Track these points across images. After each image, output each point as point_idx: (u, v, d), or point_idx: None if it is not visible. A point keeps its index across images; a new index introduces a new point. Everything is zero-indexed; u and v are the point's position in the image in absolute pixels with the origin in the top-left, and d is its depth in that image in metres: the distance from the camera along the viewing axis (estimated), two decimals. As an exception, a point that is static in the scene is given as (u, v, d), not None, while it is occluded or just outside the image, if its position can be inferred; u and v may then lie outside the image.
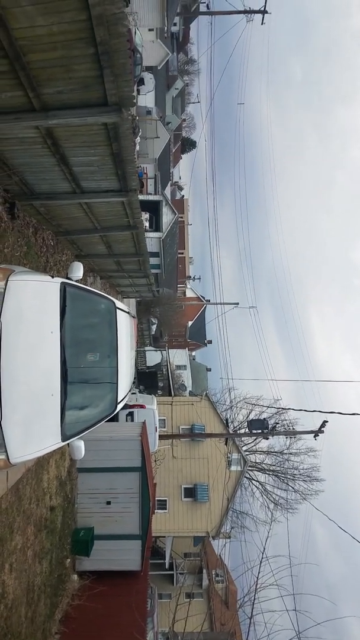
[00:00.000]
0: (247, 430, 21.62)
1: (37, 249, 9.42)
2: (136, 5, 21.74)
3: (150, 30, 25.79)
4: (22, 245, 8.46)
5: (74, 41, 4.11)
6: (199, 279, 61.28)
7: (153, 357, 37.98)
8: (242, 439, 25.40)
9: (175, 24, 39.17)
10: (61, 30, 3.98)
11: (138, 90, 25.62)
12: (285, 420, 26.94)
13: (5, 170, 6.81)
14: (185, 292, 53.79)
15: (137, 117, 25.37)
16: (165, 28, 25.07)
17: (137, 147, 22.77)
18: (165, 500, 22.59)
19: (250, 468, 26.41)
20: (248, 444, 28.10)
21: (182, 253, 52.54)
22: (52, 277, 5.91)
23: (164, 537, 25.41)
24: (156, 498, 18.21)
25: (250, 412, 29.12)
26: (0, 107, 5.17)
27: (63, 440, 5.83)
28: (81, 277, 6.54)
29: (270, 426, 19.39)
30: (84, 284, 6.84)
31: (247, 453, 25.99)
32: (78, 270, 6.51)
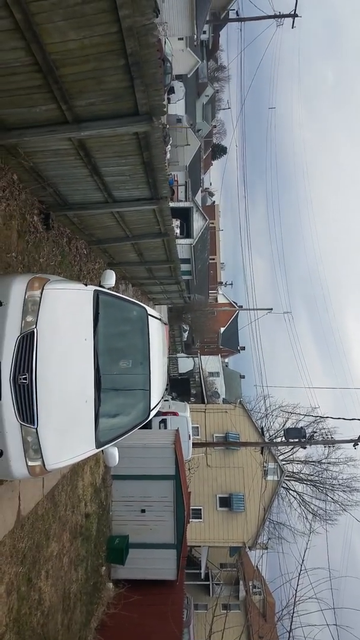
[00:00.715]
0: (283, 439, 21.26)
1: (71, 258, 9.57)
2: (166, 15, 21.98)
3: (179, 39, 25.98)
4: (57, 254, 8.61)
5: (105, 53, 4.17)
6: (231, 284, 61.07)
7: (185, 364, 37.94)
8: (279, 448, 24.99)
9: (204, 32, 39.36)
10: (93, 44, 4.05)
11: (168, 99, 25.84)
12: (324, 428, 26.40)
13: (40, 182, 6.96)
14: (217, 298, 53.64)
15: (168, 126, 25.58)
16: (195, 36, 25.23)
17: (168, 155, 22.95)
18: (200, 510, 22.38)
19: (287, 478, 25.97)
20: (285, 453, 27.64)
21: (214, 259, 52.44)
22: (86, 285, 5.97)
23: (200, 546, 25.19)
24: (191, 507, 18.10)
25: (286, 421, 28.68)
26: (34, 121, 5.30)
27: (97, 447, 5.86)
28: (113, 285, 6.59)
29: (307, 435, 19.02)
30: (117, 292, 6.90)
31: (284, 462, 25.55)
32: (110, 278, 6.57)
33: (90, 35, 3.95)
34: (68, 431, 5.47)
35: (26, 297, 5.09)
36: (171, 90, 25.99)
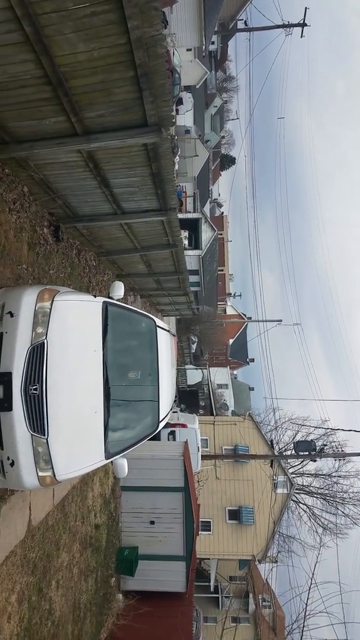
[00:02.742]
0: (293, 452, 21.03)
1: (80, 270, 9.62)
2: (174, 26, 22.21)
3: (188, 50, 26.20)
4: (66, 266, 8.66)
5: (114, 65, 4.21)
6: (240, 296, 60.94)
7: (194, 376, 37.83)
8: (288, 460, 24.72)
9: (213, 43, 39.68)
10: (102, 55, 4.09)
11: (177, 110, 26.03)
12: (334, 441, 26.06)
13: (50, 195, 7.02)
14: (225, 309, 53.59)
15: (176, 137, 25.78)
16: (203, 47, 25.41)
17: (176, 167, 23.09)
18: (210, 522, 22.18)
19: (297, 491, 25.64)
20: (295, 466, 27.33)
21: (222, 270, 52.51)
22: (95, 296, 5.99)
23: (209, 559, 24.92)
24: (200, 519, 17.94)
25: (296, 433, 28.38)
26: (44, 133, 5.36)
27: (107, 458, 5.84)
28: (122, 296, 6.60)
29: (317, 448, 18.81)
30: (125, 303, 6.91)
31: (293, 475, 25.23)
32: (119, 290, 6.58)
33: (100, 47, 3.99)
34: (78, 442, 5.46)
35: (36, 308, 5.12)
36: (179, 102, 26.20)
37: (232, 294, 60.26)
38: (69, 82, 4.43)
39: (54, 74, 4.27)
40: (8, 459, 4.88)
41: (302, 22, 27.57)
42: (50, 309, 5.18)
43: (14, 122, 5.12)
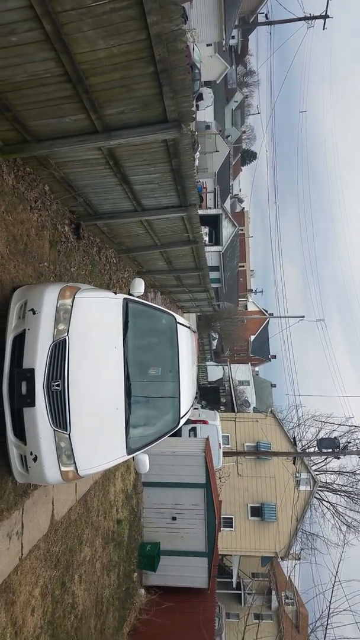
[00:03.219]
0: (316, 449, 20.84)
1: (101, 267, 9.68)
2: (194, 21, 22.09)
3: (208, 45, 26.07)
4: (87, 264, 8.72)
5: (133, 61, 4.20)
6: (261, 292, 60.58)
7: (214, 372, 37.76)
8: (312, 458, 24.50)
9: (233, 37, 39.39)
10: (121, 52, 4.08)
11: (197, 106, 25.93)
12: (358, 438, 25.75)
13: (70, 193, 7.07)
14: (246, 305, 53.30)
15: (197, 133, 25.68)
16: (224, 42, 25.22)
17: (197, 162, 23.02)
18: (231, 518, 22.14)
19: (320, 488, 25.40)
20: (318, 463, 27.09)
21: (243, 266, 52.21)
22: (115, 293, 6.02)
23: (231, 555, 24.90)
24: (222, 516, 17.92)
25: (319, 430, 28.11)
26: (65, 131, 5.38)
27: (128, 453, 5.88)
28: (142, 293, 6.62)
29: (341, 445, 18.60)
30: (145, 300, 6.93)
31: (316, 473, 25.00)
32: (139, 286, 6.61)
33: (119, 44, 3.98)
34: (99, 437, 5.51)
35: (58, 305, 5.18)
36: (200, 97, 26.10)
37: (254, 290, 59.90)
38: (89, 79, 4.44)
39: (74, 72, 4.28)
40: (31, 454, 4.95)
41: (324, 14, 27.11)
42: (72, 306, 5.23)
43: (35, 121, 5.16)
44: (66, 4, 3.59)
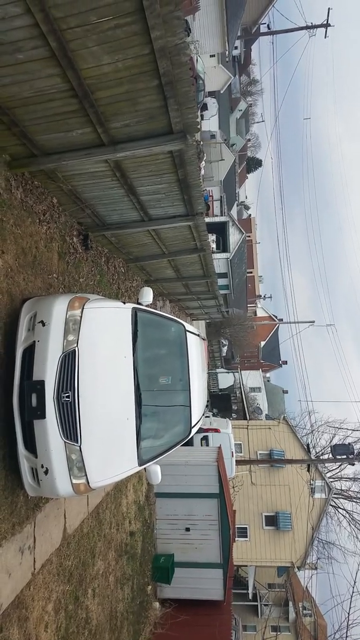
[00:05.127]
0: (330, 455, 20.63)
1: (109, 277, 9.72)
2: (197, 33, 22.32)
3: (211, 56, 26.29)
4: (96, 274, 8.76)
5: (138, 75, 4.24)
6: (270, 297, 60.43)
7: (225, 380, 37.59)
8: (326, 465, 24.24)
9: (236, 47, 39.70)
10: (126, 66, 4.12)
11: (202, 116, 26.12)
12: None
13: (78, 205, 7.13)
14: (256, 311, 53.22)
15: (202, 142, 25.82)
16: (227, 52, 25.47)
17: (202, 172, 23.12)
18: (246, 528, 21.92)
19: (335, 495, 25.09)
20: (332, 470, 26.79)
21: (251, 272, 52.19)
22: (124, 303, 6.03)
23: (246, 566, 24.62)
24: (236, 526, 17.74)
25: (333, 437, 27.83)
26: (72, 145, 5.44)
27: (140, 464, 5.84)
28: (151, 302, 6.62)
29: (356, 451, 18.39)
30: (154, 309, 6.93)
31: (331, 480, 24.71)
32: (148, 295, 6.62)
33: (124, 58, 4.02)
34: (111, 449, 5.49)
35: (67, 316, 5.19)
36: (204, 107, 26.27)
37: (262, 296, 59.80)
38: (95, 93, 4.49)
39: (80, 87, 4.33)
40: (42, 466, 4.94)
41: (325, 22, 27.30)
42: (81, 317, 5.24)
43: (42, 135, 5.22)
44: (71, 21, 3.64)
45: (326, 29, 27.56)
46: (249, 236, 44.61)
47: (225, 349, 42.26)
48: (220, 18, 22.54)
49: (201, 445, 17.55)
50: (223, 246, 29.01)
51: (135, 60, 4.07)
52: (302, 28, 28.69)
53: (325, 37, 27.95)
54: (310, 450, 23.47)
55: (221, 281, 24.65)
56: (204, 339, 9.58)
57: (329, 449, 23.70)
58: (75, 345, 5.11)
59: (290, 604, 26.76)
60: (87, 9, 3.52)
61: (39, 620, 5.71)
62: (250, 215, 63.88)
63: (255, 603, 27.24)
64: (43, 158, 5.63)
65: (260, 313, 54.06)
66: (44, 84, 4.32)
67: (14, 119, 4.85)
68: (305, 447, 22.66)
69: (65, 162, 5.65)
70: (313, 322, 33.30)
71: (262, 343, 51.46)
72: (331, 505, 24.41)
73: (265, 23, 36.01)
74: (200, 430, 17.32)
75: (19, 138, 5.21)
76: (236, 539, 20.28)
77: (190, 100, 4.64)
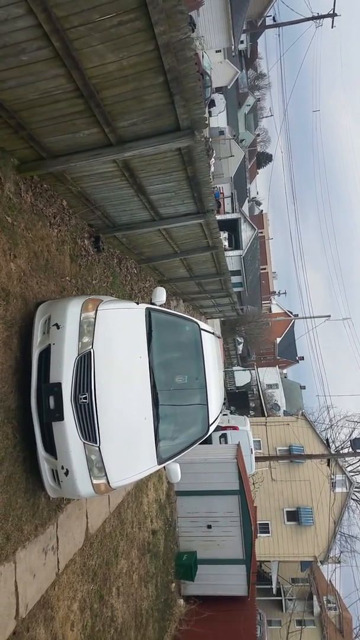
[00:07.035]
0: (350, 449, 20.43)
1: (122, 278, 9.73)
2: (202, 29, 22.21)
3: (217, 51, 26.14)
4: (108, 275, 8.78)
5: (143, 72, 4.21)
6: (285, 293, 60.23)
7: (242, 377, 37.50)
8: (346, 459, 24.04)
9: (242, 42, 39.44)
10: (131, 64, 4.09)
11: (209, 112, 25.98)
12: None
13: (88, 206, 7.13)
14: (270, 308, 52.90)
15: (210, 139, 25.71)
16: (233, 47, 25.29)
17: (212, 168, 23.02)
18: (268, 524, 21.86)
19: (357, 489, 24.88)
20: (353, 464, 26.56)
21: (265, 269, 51.86)
22: (137, 303, 6.03)
23: (269, 561, 24.55)
24: (258, 521, 17.68)
25: (353, 430, 27.57)
26: (79, 146, 5.44)
27: (159, 463, 5.85)
28: (165, 302, 6.61)
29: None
30: (168, 308, 6.92)
31: (352, 474, 24.51)
32: (161, 295, 6.61)
33: (128, 56, 4.00)
34: (129, 448, 5.50)
35: (81, 318, 5.21)
36: (212, 104, 26.14)
37: (277, 292, 59.43)
38: (101, 93, 4.47)
39: (85, 87, 4.31)
40: (62, 468, 4.97)
41: (331, 12, 26.98)
42: (95, 319, 5.25)
43: (49, 138, 5.22)
44: (74, 20, 3.62)
45: (333, 18, 27.21)
46: (262, 232, 44.33)
47: (240, 347, 42.11)
48: (225, 12, 22.39)
49: (220, 443, 17.53)
50: (235, 243, 28.89)
51: (140, 57, 4.04)
52: (308, 19, 28.38)
53: (332, 26, 27.63)
54: (330, 444, 23.28)
55: (235, 279, 24.56)
56: (219, 337, 9.54)
57: (349, 443, 23.51)
58: (91, 346, 5.13)
59: (315, 597, 26.63)
60: (89, 7, 3.49)
61: (64, 620, 5.75)
62: (262, 211, 63.44)
63: (280, 598, 27.16)
64: (51, 160, 5.63)
65: (275, 309, 53.72)
66: (50, 85, 4.31)
67: (21, 122, 4.86)
68: (325, 441, 22.49)
69: (74, 164, 5.65)
70: (329, 316, 32.94)
71: (278, 339, 51.09)
72: (352, 499, 24.22)
73: (270, 15, 35.74)
74: (218, 428, 17.29)
75: (26, 141, 5.22)
76: (258, 535, 20.22)
77: (197, 95, 4.60)
